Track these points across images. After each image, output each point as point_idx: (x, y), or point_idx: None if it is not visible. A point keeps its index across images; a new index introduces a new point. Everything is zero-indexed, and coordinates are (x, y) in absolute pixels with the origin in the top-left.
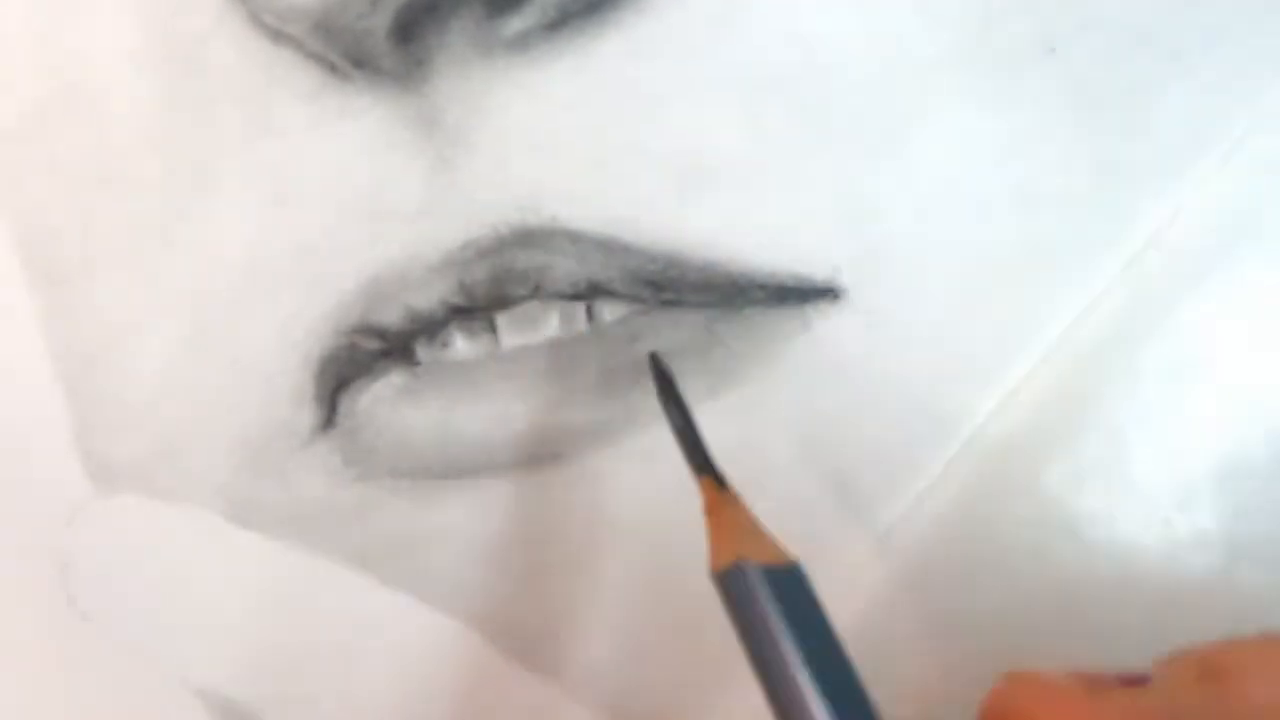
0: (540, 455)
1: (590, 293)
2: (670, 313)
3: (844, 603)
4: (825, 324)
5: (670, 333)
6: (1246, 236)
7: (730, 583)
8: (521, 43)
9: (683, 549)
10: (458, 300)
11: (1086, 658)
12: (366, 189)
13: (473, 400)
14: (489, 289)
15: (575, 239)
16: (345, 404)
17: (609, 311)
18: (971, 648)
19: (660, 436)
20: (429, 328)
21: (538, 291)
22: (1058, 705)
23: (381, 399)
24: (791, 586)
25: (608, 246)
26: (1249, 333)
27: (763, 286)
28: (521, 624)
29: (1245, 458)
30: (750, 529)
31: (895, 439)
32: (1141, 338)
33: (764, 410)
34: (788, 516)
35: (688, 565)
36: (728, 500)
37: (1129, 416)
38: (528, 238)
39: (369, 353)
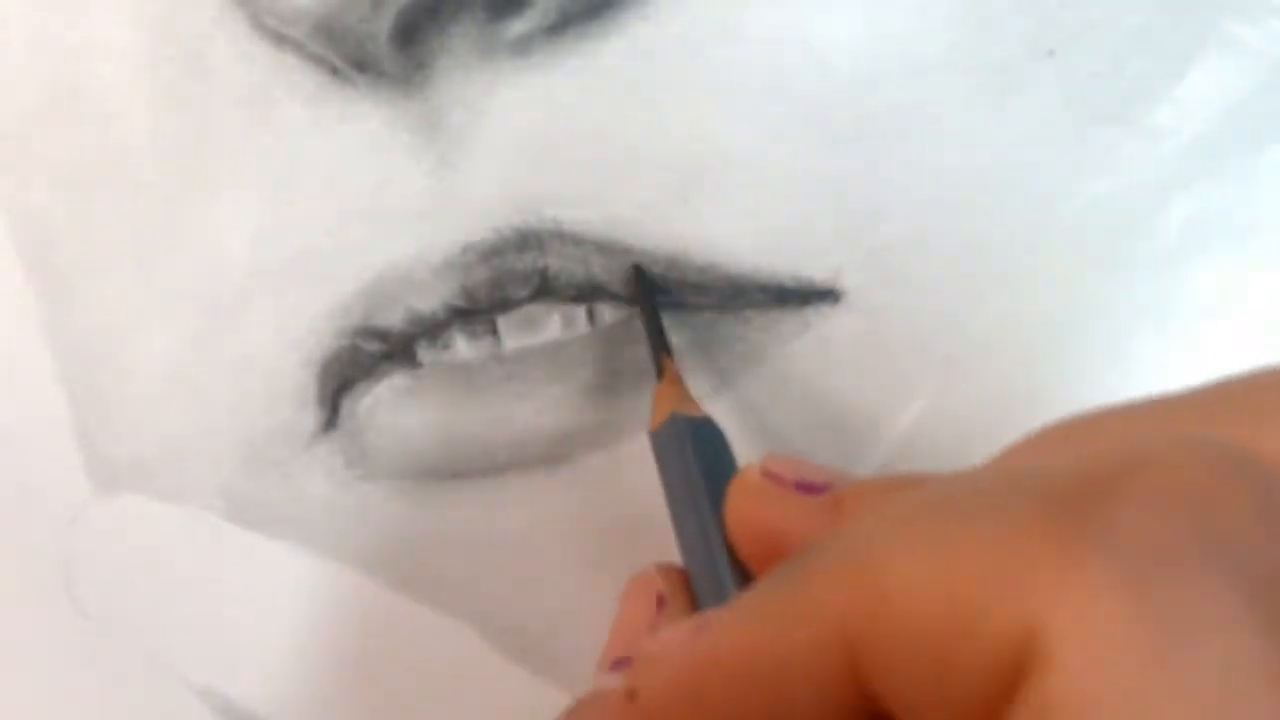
0: (541, 456)
1: (591, 294)
2: (671, 314)
3: None
4: (826, 325)
5: (671, 334)
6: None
7: (659, 439)
8: (523, 46)
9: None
10: (459, 302)
11: None
12: (368, 191)
13: (474, 402)
14: (490, 291)
15: (577, 241)
16: (347, 405)
17: (610, 313)
18: None
19: None
20: (431, 330)
21: (539, 293)
22: (745, 492)
23: (383, 401)
24: (710, 438)
25: (609, 248)
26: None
27: (763, 288)
28: (522, 624)
29: None
30: (684, 396)
31: (893, 439)
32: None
33: (765, 411)
34: None
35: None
36: (675, 377)
37: None
38: (529, 240)
39: (371, 354)
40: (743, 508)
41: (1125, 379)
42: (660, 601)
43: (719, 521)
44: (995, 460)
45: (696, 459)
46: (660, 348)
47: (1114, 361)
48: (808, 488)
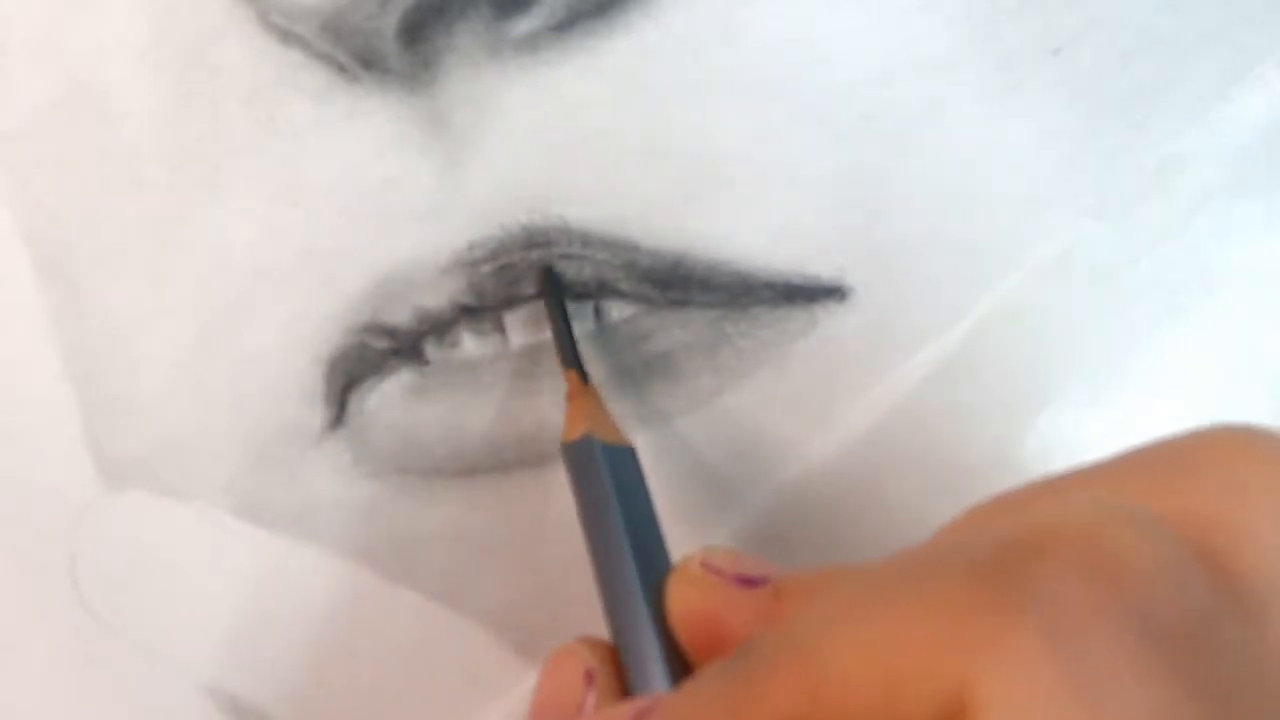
0: (548, 453)
1: (598, 292)
2: (678, 312)
3: None
4: (832, 323)
5: (678, 331)
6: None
7: (575, 453)
8: (530, 43)
9: (684, 548)
10: (467, 300)
11: None
12: (375, 189)
13: (481, 399)
14: (497, 288)
15: (583, 239)
16: (354, 403)
17: (617, 310)
18: None
19: (666, 435)
20: (438, 327)
21: (546, 291)
22: (686, 582)
23: (391, 398)
24: (626, 464)
25: (615, 246)
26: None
27: (770, 285)
28: (529, 621)
29: None
30: (601, 416)
31: (898, 439)
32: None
33: (771, 408)
34: (788, 511)
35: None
36: (588, 392)
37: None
38: (535, 237)
39: (378, 352)
40: (685, 598)
41: (1124, 377)
42: (588, 677)
43: (648, 593)
44: (926, 541)
45: (617, 496)
46: (572, 362)
47: (1114, 359)
48: (747, 581)
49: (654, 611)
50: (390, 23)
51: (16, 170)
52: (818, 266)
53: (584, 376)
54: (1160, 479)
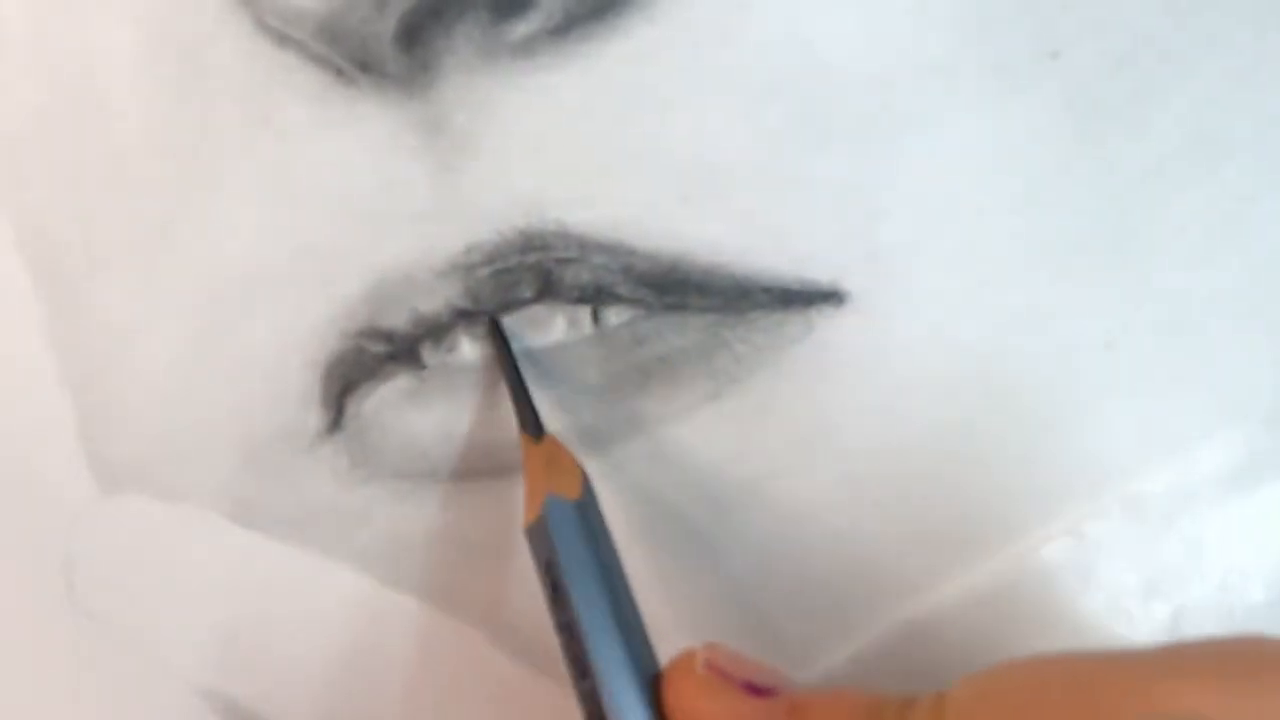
0: None
1: (595, 296)
2: (675, 316)
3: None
4: (829, 327)
5: (675, 336)
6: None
7: (532, 537)
8: (527, 48)
9: (683, 550)
10: (463, 304)
11: None
12: (372, 192)
13: (478, 403)
14: (494, 292)
15: (580, 243)
16: (351, 407)
17: (614, 315)
18: None
19: (663, 440)
20: (435, 331)
21: (543, 295)
22: (689, 682)
23: (388, 402)
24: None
25: (613, 250)
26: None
27: (767, 290)
28: (525, 625)
29: None
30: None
31: (895, 442)
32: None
33: (768, 413)
34: (784, 516)
35: (688, 566)
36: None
37: None
38: (532, 241)
39: (375, 356)
40: (688, 701)
41: (1124, 378)
42: None
43: (639, 682)
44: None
45: (597, 572)
46: (528, 416)
47: (1113, 362)
48: (755, 689)
49: (650, 710)
50: (388, 26)
51: (12, 173)
52: (814, 271)
53: (540, 432)
54: (1214, 679)
